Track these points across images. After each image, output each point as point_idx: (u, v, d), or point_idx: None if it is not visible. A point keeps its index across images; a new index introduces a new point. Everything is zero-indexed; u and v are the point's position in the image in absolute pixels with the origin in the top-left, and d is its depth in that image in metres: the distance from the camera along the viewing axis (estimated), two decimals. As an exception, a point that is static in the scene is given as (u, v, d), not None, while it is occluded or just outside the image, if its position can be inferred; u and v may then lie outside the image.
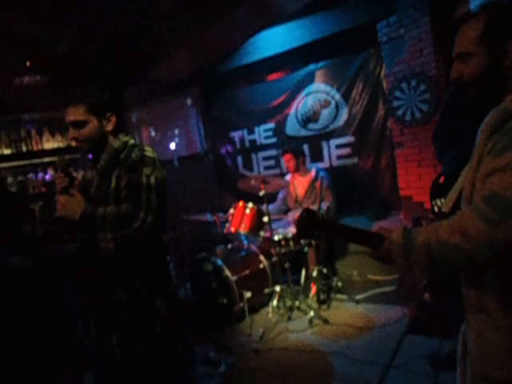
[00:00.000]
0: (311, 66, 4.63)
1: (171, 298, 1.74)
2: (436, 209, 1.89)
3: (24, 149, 4.98)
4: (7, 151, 4.87)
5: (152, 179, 1.60)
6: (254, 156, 5.31)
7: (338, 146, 4.58)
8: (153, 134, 5.83)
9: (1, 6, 3.13)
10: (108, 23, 3.79)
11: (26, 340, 2.74)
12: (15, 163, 4.86)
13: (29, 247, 3.06)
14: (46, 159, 5.09)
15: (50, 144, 5.14)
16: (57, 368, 2.69)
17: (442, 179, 2.05)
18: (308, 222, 1.13)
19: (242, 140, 5.38)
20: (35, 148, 5.04)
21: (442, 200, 1.80)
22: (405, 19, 3.76)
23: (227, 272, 3.37)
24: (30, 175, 5.01)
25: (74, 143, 1.66)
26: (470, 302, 1.08)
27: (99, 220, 1.55)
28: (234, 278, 3.36)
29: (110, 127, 1.71)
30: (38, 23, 3.47)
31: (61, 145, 5.20)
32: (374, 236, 1.12)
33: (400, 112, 3.88)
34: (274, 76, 4.99)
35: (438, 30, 3.63)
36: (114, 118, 1.72)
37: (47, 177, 5.02)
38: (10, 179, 4.77)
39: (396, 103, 3.90)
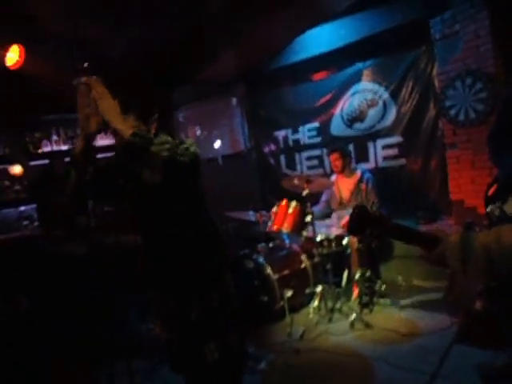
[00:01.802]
0: (359, 65, 4.55)
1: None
2: (497, 213, 1.79)
3: (79, 145, 5.27)
4: (64, 147, 5.18)
5: (192, 148, 1.64)
6: (297, 155, 5.29)
7: (385, 147, 4.46)
8: (198, 132, 5.97)
9: (63, 11, 3.34)
10: (159, 26, 3.93)
11: (75, 325, 2.90)
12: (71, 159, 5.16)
13: (83, 237, 3.25)
14: (99, 155, 5.36)
15: (103, 141, 5.41)
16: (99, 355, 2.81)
17: (495, 185, 1.93)
18: (361, 218, 1.10)
19: (285, 139, 5.38)
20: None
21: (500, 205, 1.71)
22: (460, 15, 3.60)
23: (269, 270, 3.39)
24: (84, 170, 5.29)
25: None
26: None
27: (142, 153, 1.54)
28: (275, 277, 3.37)
29: (152, 131, 1.73)
30: (95, 26, 3.67)
31: (113, 142, 5.46)
32: (429, 236, 1.09)
33: (453, 112, 3.72)
34: (319, 75, 4.95)
35: (497, 25, 3.44)
36: (155, 122, 1.74)
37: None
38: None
39: (449, 102, 3.74)
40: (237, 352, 1.85)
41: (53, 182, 4.27)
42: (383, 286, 3.56)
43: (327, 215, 4.07)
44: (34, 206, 4.40)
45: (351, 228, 1.13)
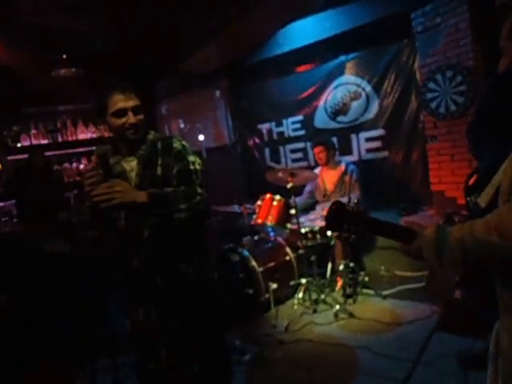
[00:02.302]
0: (342, 58, 4.56)
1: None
2: (471, 205, 1.84)
3: (60, 139, 5.17)
4: (44, 141, 5.07)
5: (197, 165, 1.77)
6: (281, 148, 5.30)
7: (368, 139, 4.50)
8: (182, 125, 5.92)
9: (40, 1, 3.25)
10: (140, 16, 3.85)
11: (57, 322, 2.87)
12: (51, 152, 5.06)
13: (64, 234, 3.20)
14: (81, 149, 5.28)
15: (83, 135, 5.32)
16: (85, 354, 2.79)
17: (475, 175, 1.98)
18: (338, 214, 1.11)
19: (269, 132, 5.37)
20: (70, 138, 5.22)
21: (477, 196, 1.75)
22: (441, 8, 3.63)
23: (253, 263, 3.41)
24: (66, 164, 5.21)
25: (125, 130, 1.68)
26: (504, 301, 1.06)
27: (172, 196, 1.65)
28: (260, 269, 3.39)
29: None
30: (74, 17, 3.58)
31: (94, 135, 5.37)
32: (405, 231, 1.11)
33: (434, 104, 3.77)
34: (303, 68, 4.95)
35: (477, 19, 3.48)
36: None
37: (81, 166, 5.20)
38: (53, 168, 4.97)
39: (430, 95, 3.79)
40: (222, 363, 1.88)
41: (32, 176, 4.18)
42: (366, 277, 3.62)
43: (311, 206, 4.10)
44: (13, 201, 4.30)
45: (329, 224, 1.14)
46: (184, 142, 1.81)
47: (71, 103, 5.18)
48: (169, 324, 1.74)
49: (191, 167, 1.75)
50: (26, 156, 4.50)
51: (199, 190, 1.70)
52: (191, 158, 1.77)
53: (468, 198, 1.92)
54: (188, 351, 1.76)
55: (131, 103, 1.66)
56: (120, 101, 1.65)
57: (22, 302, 2.93)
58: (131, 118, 1.66)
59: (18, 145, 4.91)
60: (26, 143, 4.95)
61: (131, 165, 1.76)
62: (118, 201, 1.55)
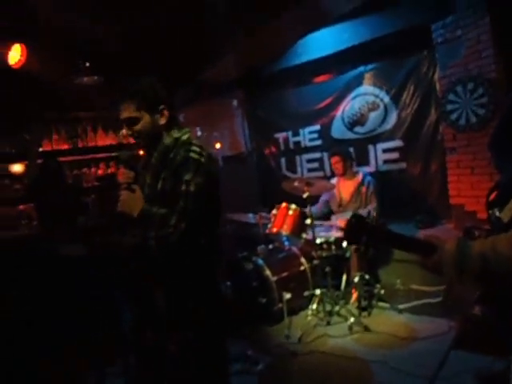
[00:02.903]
0: (360, 68, 4.56)
1: (214, 302, 1.72)
2: (493, 219, 1.79)
3: (80, 145, 5.27)
4: (65, 146, 5.18)
5: (191, 186, 1.55)
6: (297, 158, 5.30)
7: (385, 150, 4.46)
8: (199, 133, 5.97)
9: (63, 9, 3.35)
10: (160, 25, 3.93)
11: (69, 324, 2.90)
12: (71, 158, 5.17)
13: (82, 237, 3.24)
14: (100, 155, 5.37)
15: (103, 141, 5.42)
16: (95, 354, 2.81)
17: (497, 190, 1.93)
18: (356, 227, 1.11)
19: (286, 141, 5.38)
20: (90, 144, 5.32)
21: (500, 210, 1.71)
22: (462, 20, 3.60)
23: (267, 272, 3.39)
24: (85, 169, 5.30)
25: (131, 139, 1.70)
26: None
27: (150, 219, 1.58)
28: (274, 279, 3.37)
29: (163, 121, 1.67)
30: (95, 24, 3.67)
31: (113, 142, 5.46)
32: (425, 244, 1.09)
33: (454, 116, 3.72)
34: (321, 78, 4.96)
35: (499, 31, 3.45)
36: (166, 112, 1.67)
37: (100, 171, 5.29)
38: (66, 173, 5.07)
39: (450, 107, 3.75)
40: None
41: (49, 180, 4.26)
42: (382, 290, 3.56)
43: (326, 216, 4.07)
44: (32, 204, 4.40)
45: (347, 236, 1.14)
46: (192, 154, 1.60)
47: (92, 110, 5.29)
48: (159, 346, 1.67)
49: (182, 188, 1.55)
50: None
51: (172, 221, 1.52)
52: (187, 176, 1.55)
53: (490, 212, 1.88)
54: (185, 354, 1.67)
55: (124, 115, 1.63)
56: (119, 112, 1.65)
57: (35, 305, 2.98)
58: (125, 130, 1.68)
59: (40, 149, 5.03)
60: (48, 148, 5.07)
61: (149, 172, 1.74)
62: (118, 210, 1.58)
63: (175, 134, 1.69)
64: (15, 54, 3.42)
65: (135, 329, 1.77)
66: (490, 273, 0.93)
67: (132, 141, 1.71)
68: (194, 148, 1.62)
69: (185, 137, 1.70)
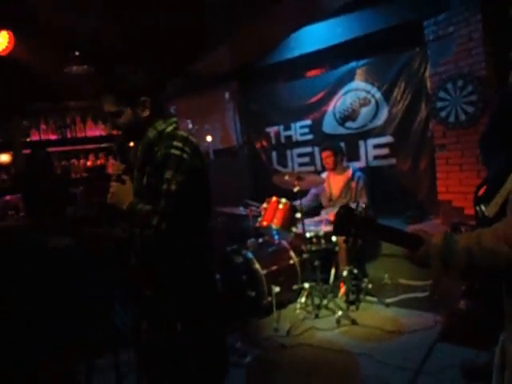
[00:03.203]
0: (352, 64, 4.56)
1: (213, 301, 1.71)
2: (480, 215, 1.82)
3: (69, 135, 5.20)
4: (53, 137, 5.11)
5: (173, 185, 1.48)
6: (288, 152, 5.30)
7: (376, 146, 4.49)
8: (190, 126, 5.92)
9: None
10: (152, 16, 3.88)
11: (58, 316, 2.88)
12: (60, 148, 5.10)
13: (70, 228, 3.21)
14: (89, 146, 5.31)
15: (92, 131, 5.35)
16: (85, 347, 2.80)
17: (485, 186, 1.96)
18: (345, 219, 1.11)
19: (277, 136, 5.38)
20: (79, 135, 5.25)
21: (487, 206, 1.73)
22: (454, 17, 3.63)
23: (257, 265, 3.40)
24: (73, 160, 5.24)
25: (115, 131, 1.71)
26: (510, 311, 1.05)
27: (135, 215, 1.55)
28: (263, 272, 3.38)
29: (146, 113, 1.59)
30: (86, 14, 3.61)
31: (103, 133, 5.40)
32: (412, 237, 1.10)
33: (443, 113, 3.76)
34: (313, 72, 4.95)
35: (490, 29, 3.48)
36: (150, 103, 1.59)
37: (89, 163, 5.23)
38: (55, 164, 5.00)
39: (440, 104, 3.78)
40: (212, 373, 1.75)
41: (37, 171, 4.20)
42: (370, 284, 3.59)
43: (316, 210, 4.09)
44: (19, 195, 4.33)
45: (336, 228, 1.14)
46: (172, 150, 1.51)
47: (81, 100, 5.22)
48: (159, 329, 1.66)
49: (164, 187, 1.49)
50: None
51: (154, 222, 1.47)
52: (167, 175, 1.49)
53: (477, 208, 1.91)
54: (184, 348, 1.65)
55: (105, 108, 1.60)
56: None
57: (23, 298, 2.94)
58: (110, 122, 1.65)
59: (28, 139, 4.95)
60: (36, 138, 4.99)
61: (136, 165, 1.70)
62: (108, 201, 1.57)
63: (160, 126, 1.61)
64: (2, 41, 3.35)
65: (135, 328, 1.75)
66: (475, 267, 0.95)
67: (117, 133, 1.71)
68: (176, 143, 1.53)
69: (169, 128, 1.61)
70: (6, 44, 3.42)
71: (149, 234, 1.54)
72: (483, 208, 1.86)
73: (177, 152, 1.51)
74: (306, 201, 4.02)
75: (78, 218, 3.82)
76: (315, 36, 4.51)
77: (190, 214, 1.54)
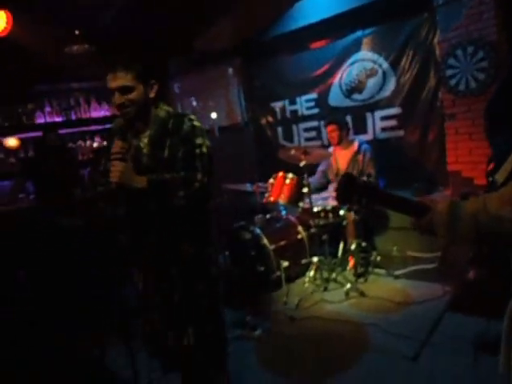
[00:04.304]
0: (358, 33, 4.41)
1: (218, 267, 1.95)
2: (490, 181, 1.78)
3: (73, 117, 5.19)
4: (58, 119, 5.10)
5: (204, 148, 1.73)
6: (294, 127, 5.22)
7: (383, 118, 4.40)
8: (194, 103, 5.86)
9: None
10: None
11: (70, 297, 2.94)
12: (65, 131, 5.10)
13: (79, 209, 3.24)
14: (94, 127, 5.30)
15: (97, 112, 5.33)
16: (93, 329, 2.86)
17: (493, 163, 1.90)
18: (348, 186, 1.08)
19: (282, 110, 5.29)
20: (84, 116, 5.24)
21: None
22: (464, -21, 3.46)
23: (265, 241, 3.42)
24: (79, 142, 5.25)
25: (117, 109, 1.71)
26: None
27: (171, 183, 1.68)
28: (271, 247, 3.40)
29: (152, 94, 1.73)
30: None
31: (107, 113, 5.37)
32: (417, 205, 1.08)
33: (453, 81, 3.64)
34: (317, 44, 4.81)
35: (502, -10, 3.32)
36: (156, 86, 1.74)
37: (95, 144, 5.23)
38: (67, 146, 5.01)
39: (449, 72, 3.66)
40: (214, 339, 1.88)
41: (47, 154, 4.22)
42: (378, 257, 3.60)
43: (324, 186, 4.06)
44: (28, 178, 4.37)
45: (338, 196, 1.12)
46: (195, 122, 1.76)
47: (84, 80, 5.18)
48: (168, 297, 1.79)
49: (196, 151, 1.71)
50: (40, 134, 4.53)
51: (199, 177, 1.69)
52: (198, 141, 1.72)
53: (490, 179, 1.86)
54: (184, 324, 1.79)
55: (118, 83, 1.64)
56: (109, 80, 1.66)
57: (38, 278, 3.01)
58: (117, 98, 1.66)
59: (33, 122, 4.95)
60: (41, 121, 4.99)
61: (144, 142, 1.77)
62: (114, 180, 1.60)
63: (164, 106, 1.81)
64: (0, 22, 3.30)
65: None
66: (482, 233, 0.93)
67: (118, 111, 1.71)
68: (194, 117, 1.78)
69: (171, 109, 1.82)
70: (4, 25, 3.37)
71: (194, 190, 1.68)
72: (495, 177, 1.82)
73: (199, 124, 1.77)
74: (315, 179, 4.01)
75: (87, 198, 3.86)
76: (319, 5, 4.36)
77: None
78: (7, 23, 3.34)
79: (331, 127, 3.84)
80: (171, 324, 1.80)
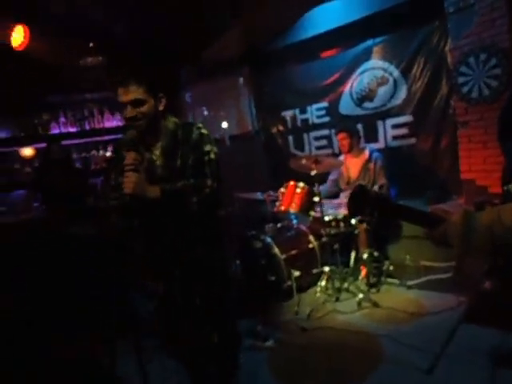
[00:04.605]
0: (368, 42, 4.42)
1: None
2: (506, 193, 1.75)
3: (87, 127, 5.28)
4: (72, 129, 5.19)
5: (212, 154, 1.81)
6: (305, 136, 5.23)
7: (395, 126, 4.38)
8: (205, 113, 5.93)
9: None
10: (162, 5, 3.85)
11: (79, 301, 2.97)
12: (80, 140, 5.20)
13: (91, 218, 3.28)
14: (107, 137, 5.38)
15: (110, 123, 5.41)
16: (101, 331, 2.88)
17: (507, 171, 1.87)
18: (360, 197, 1.08)
19: (293, 119, 5.31)
20: (97, 126, 5.33)
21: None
22: (475, -13, 3.45)
23: (276, 250, 3.40)
24: (93, 152, 5.33)
25: (126, 122, 1.76)
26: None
27: (183, 190, 1.73)
28: (282, 256, 3.38)
29: (161, 107, 1.79)
30: (100, 4, 3.61)
31: (120, 124, 5.45)
32: (430, 216, 1.07)
33: (466, 89, 3.61)
34: (328, 53, 4.83)
35: (514, -3, 3.30)
36: (164, 100, 1.80)
37: (108, 154, 5.31)
38: (74, 155, 5.10)
39: (461, 79, 3.63)
40: (232, 336, 2.01)
41: (51, 167, 4.26)
42: (391, 267, 3.55)
43: (335, 195, 4.04)
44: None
45: (350, 208, 1.11)
46: (203, 130, 1.83)
47: (98, 91, 5.27)
48: (189, 300, 1.86)
49: (205, 158, 1.79)
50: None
51: (209, 183, 1.76)
52: (207, 148, 1.80)
53: (505, 188, 1.83)
54: (207, 324, 1.90)
55: (130, 96, 1.69)
56: (121, 94, 1.70)
57: (51, 286, 3.04)
58: (129, 112, 1.70)
59: (48, 133, 5.05)
60: (56, 131, 5.09)
61: (157, 154, 1.82)
62: (128, 192, 1.62)
63: (172, 118, 1.87)
64: (18, 36, 3.40)
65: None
66: (498, 244, 0.92)
67: (129, 124, 1.76)
68: (201, 125, 1.86)
69: (177, 120, 1.89)
70: (22, 39, 3.47)
71: (205, 195, 1.75)
72: (510, 187, 1.79)
73: (206, 131, 1.85)
74: (326, 187, 3.99)
75: (100, 207, 3.90)
76: (329, 15, 4.38)
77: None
78: (25, 37, 3.43)
79: (342, 135, 3.84)
80: (195, 325, 1.88)
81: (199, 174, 1.77)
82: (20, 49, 3.52)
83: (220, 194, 1.83)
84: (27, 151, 4.91)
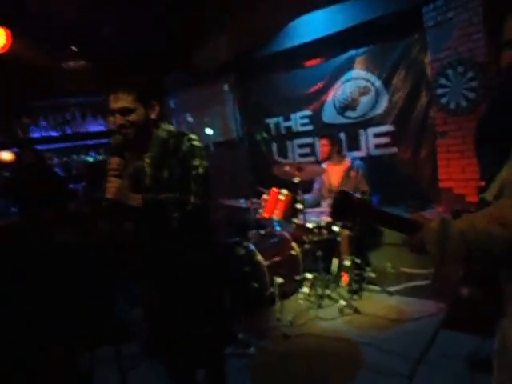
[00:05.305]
0: (351, 52, 4.51)
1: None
2: (480, 199, 1.81)
3: (69, 131, 5.21)
4: (53, 133, 5.11)
5: (200, 169, 1.75)
6: (289, 143, 5.28)
7: (376, 135, 4.46)
8: (190, 119, 5.92)
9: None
10: (149, 11, 3.85)
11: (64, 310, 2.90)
12: (61, 145, 5.12)
13: (72, 224, 3.22)
14: (89, 142, 5.32)
15: (92, 127, 5.35)
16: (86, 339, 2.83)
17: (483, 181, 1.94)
18: (343, 204, 1.10)
19: (277, 127, 5.35)
20: (79, 130, 5.26)
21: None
22: (453, 2, 3.57)
23: (259, 257, 3.40)
24: (74, 156, 5.25)
25: (117, 130, 1.72)
26: (507, 295, 1.05)
27: (165, 203, 1.70)
28: (265, 263, 3.38)
29: (153, 116, 1.76)
30: (84, 8, 3.59)
31: (102, 128, 5.40)
32: (410, 222, 1.10)
33: (444, 100, 3.72)
34: (312, 62, 4.90)
35: (489, 13, 3.42)
36: (157, 108, 1.77)
37: (90, 159, 5.24)
38: (55, 160, 5.02)
39: (440, 91, 3.74)
40: (228, 335, 1.98)
41: (20, 172, 4.16)
42: (373, 274, 3.60)
43: (319, 203, 4.08)
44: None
45: (333, 213, 1.13)
46: (195, 142, 1.77)
47: (80, 96, 5.21)
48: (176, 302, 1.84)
49: (193, 172, 1.74)
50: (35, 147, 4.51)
51: (192, 200, 1.71)
52: (195, 162, 1.74)
53: (481, 196, 1.89)
54: (205, 323, 1.89)
55: (118, 104, 1.67)
56: (111, 101, 1.69)
57: (28, 290, 2.96)
58: (117, 119, 1.68)
59: (28, 136, 4.96)
60: (37, 135, 5.00)
61: (147, 162, 1.80)
62: (110, 197, 1.61)
63: (166, 126, 1.83)
64: (-1, 39, 3.34)
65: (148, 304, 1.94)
66: (471, 251, 0.94)
67: (117, 131, 1.73)
68: (194, 137, 1.80)
69: (172, 128, 1.85)
70: (4, 41, 3.41)
71: (186, 212, 1.71)
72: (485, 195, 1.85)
73: (198, 144, 1.78)
74: (311, 196, 4.03)
75: (81, 213, 3.83)
76: (313, 25, 4.45)
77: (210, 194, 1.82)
78: (6, 40, 3.37)
79: (324, 141, 3.92)
80: (194, 324, 1.87)
81: (184, 189, 1.72)
82: (1, 51, 3.46)
83: (207, 210, 1.79)
84: (5, 155, 4.80)
